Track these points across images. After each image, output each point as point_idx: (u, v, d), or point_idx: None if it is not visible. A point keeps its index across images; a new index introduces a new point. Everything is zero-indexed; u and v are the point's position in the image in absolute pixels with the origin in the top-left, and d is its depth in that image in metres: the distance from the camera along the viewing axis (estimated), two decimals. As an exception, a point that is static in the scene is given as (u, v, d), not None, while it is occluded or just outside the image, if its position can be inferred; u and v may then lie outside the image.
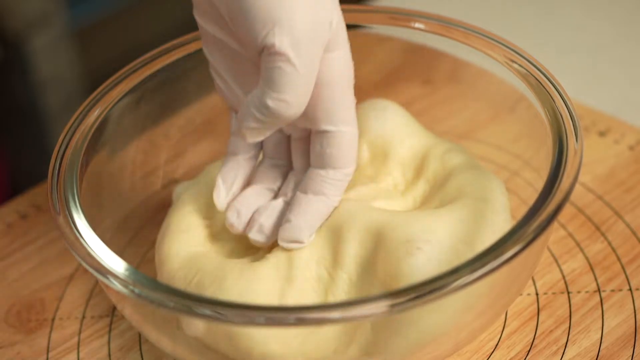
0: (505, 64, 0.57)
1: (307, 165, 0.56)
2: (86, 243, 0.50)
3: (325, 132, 0.53)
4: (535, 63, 0.57)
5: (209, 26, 0.53)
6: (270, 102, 0.49)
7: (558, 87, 0.55)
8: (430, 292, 0.46)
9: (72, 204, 0.52)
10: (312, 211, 0.53)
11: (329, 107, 0.52)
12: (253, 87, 0.52)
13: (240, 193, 0.56)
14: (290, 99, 0.49)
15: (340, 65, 0.51)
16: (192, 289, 0.53)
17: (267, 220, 0.54)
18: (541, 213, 0.48)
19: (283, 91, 0.49)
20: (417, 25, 0.61)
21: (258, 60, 0.50)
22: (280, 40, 0.48)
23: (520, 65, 0.56)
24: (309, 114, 0.52)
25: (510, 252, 0.47)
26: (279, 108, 0.49)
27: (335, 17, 0.50)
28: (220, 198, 0.55)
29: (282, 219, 0.54)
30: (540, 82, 0.56)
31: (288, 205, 0.55)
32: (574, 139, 0.52)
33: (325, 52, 0.50)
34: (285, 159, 0.57)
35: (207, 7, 0.52)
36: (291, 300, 0.52)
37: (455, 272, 0.46)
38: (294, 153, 0.56)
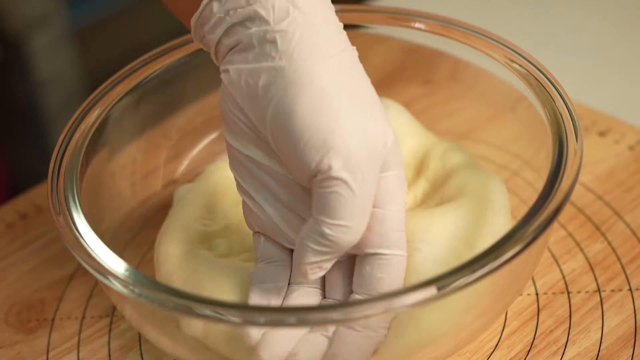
0: (505, 64, 0.57)
1: (345, 290, 0.52)
2: (86, 243, 0.50)
3: (377, 255, 0.50)
4: (535, 63, 0.57)
5: (242, 147, 0.50)
6: (328, 231, 0.47)
7: (558, 87, 0.55)
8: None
9: (72, 204, 0.52)
10: (357, 351, 0.49)
11: (383, 229, 0.49)
12: (293, 208, 0.50)
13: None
14: (350, 224, 0.47)
15: (395, 185, 0.49)
16: (189, 290, 0.53)
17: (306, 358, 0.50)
18: (541, 213, 0.48)
19: (341, 217, 0.47)
20: (417, 25, 0.61)
21: (308, 185, 0.48)
22: (337, 165, 0.46)
23: (520, 65, 0.57)
24: (361, 237, 0.49)
25: (510, 252, 0.47)
26: (338, 235, 0.47)
27: (390, 137, 0.48)
28: (254, 332, 0.50)
29: (321, 357, 0.50)
30: (540, 82, 0.56)
31: (329, 340, 0.50)
32: (574, 139, 0.52)
33: (380, 172, 0.48)
34: (318, 284, 0.52)
35: (245, 129, 0.49)
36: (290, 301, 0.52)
37: (455, 272, 0.46)
38: (332, 278, 0.52)
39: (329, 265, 0.49)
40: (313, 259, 0.48)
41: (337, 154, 0.46)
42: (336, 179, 0.47)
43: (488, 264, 0.46)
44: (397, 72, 0.73)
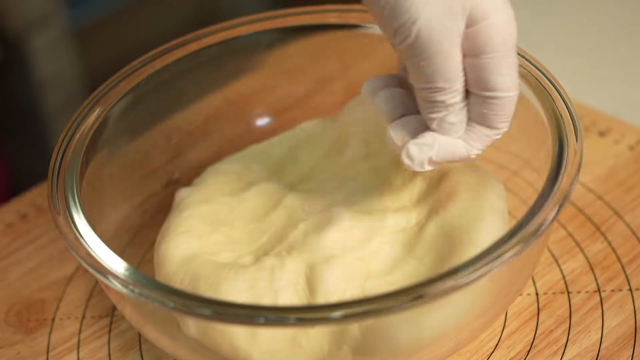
0: None
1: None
2: (86, 243, 0.50)
3: (486, 97, 0.51)
4: (535, 63, 0.57)
5: None
6: (431, 95, 0.50)
7: (558, 87, 0.55)
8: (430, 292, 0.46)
9: (72, 204, 0.52)
10: (449, 148, 0.52)
11: (489, 74, 0.50)
12: None
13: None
14: (443, 85, 0.49)
15: (498, 33, 0.49)
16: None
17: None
18: (541, 213, 0.48)
19: (432, 81, 0.50)
20: None
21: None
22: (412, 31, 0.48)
23: (520, 66, 0.56)
24: (471, 82, 0.50)
25: (510, 252, 0.47)
26: (439, 98, 0.50)
27: None
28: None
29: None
30: (539, 82, 0.56)
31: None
32: (574, 139, 0.52)
33: (475, 23, 0.49)
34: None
35: None
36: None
37: (454, 272, 0.46)
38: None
39: (453, 117, 0.51)
40: (434, 125, 0.51)
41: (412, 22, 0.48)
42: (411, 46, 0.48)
43: (488, 263, 0.46)
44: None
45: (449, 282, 0.46)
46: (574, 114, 0.53)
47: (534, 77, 0.56)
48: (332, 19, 0.63)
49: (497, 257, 0.47)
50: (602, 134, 0.69)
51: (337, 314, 0.45)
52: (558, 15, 0.86)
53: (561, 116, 0.53)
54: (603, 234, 0.62)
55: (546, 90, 0.55)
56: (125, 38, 1.42)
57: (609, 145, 0.68)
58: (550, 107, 0.54)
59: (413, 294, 0.46)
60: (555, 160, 0.51)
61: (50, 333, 0.60)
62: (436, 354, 0.52)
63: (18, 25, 1.22)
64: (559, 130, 0.53)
